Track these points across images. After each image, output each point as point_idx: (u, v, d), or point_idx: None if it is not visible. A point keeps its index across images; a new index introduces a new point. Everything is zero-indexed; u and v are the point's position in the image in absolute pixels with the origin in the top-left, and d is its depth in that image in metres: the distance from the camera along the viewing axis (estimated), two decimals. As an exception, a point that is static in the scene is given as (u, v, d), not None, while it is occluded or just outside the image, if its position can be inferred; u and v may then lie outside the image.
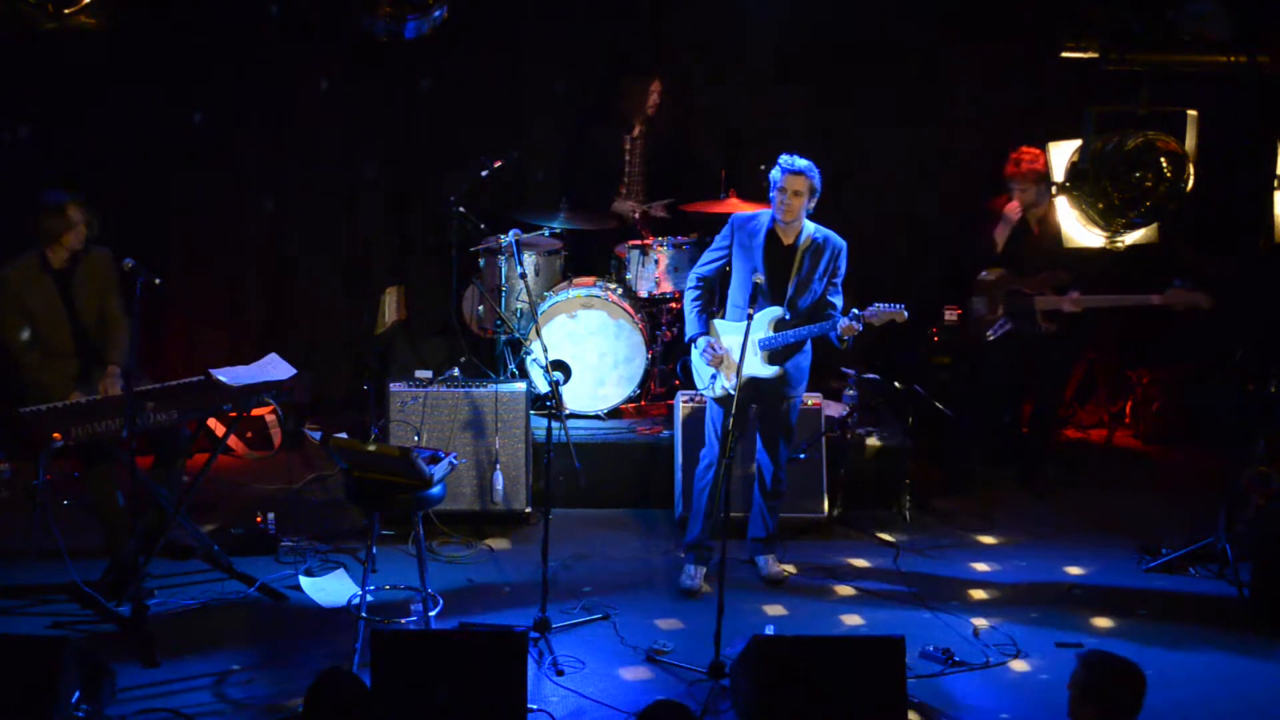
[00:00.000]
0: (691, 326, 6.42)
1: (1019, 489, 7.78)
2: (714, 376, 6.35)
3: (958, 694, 5.56)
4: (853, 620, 6.24)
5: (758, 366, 6.25)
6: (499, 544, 6.98)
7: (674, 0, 8.47)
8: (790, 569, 6.64)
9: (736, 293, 6.38)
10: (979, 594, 6.52)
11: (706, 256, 6.49)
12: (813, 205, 6.23)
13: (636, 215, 8.15)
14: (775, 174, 6.19)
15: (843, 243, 6.31)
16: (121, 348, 6.31)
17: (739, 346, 6.10)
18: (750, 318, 5.93)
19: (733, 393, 6.12)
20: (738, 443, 5.92)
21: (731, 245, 6.35)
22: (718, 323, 6.43)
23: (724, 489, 5.75)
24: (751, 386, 6.24)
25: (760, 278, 6.10)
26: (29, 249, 6.32)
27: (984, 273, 7.56)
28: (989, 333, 7.49)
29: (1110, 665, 4.21)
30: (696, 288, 6.44)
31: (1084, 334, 7.86)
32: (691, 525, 6.50)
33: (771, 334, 6.23)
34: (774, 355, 6.26)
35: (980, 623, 6.16)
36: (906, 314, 6.12)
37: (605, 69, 8.40)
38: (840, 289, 6.30)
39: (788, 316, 6.23)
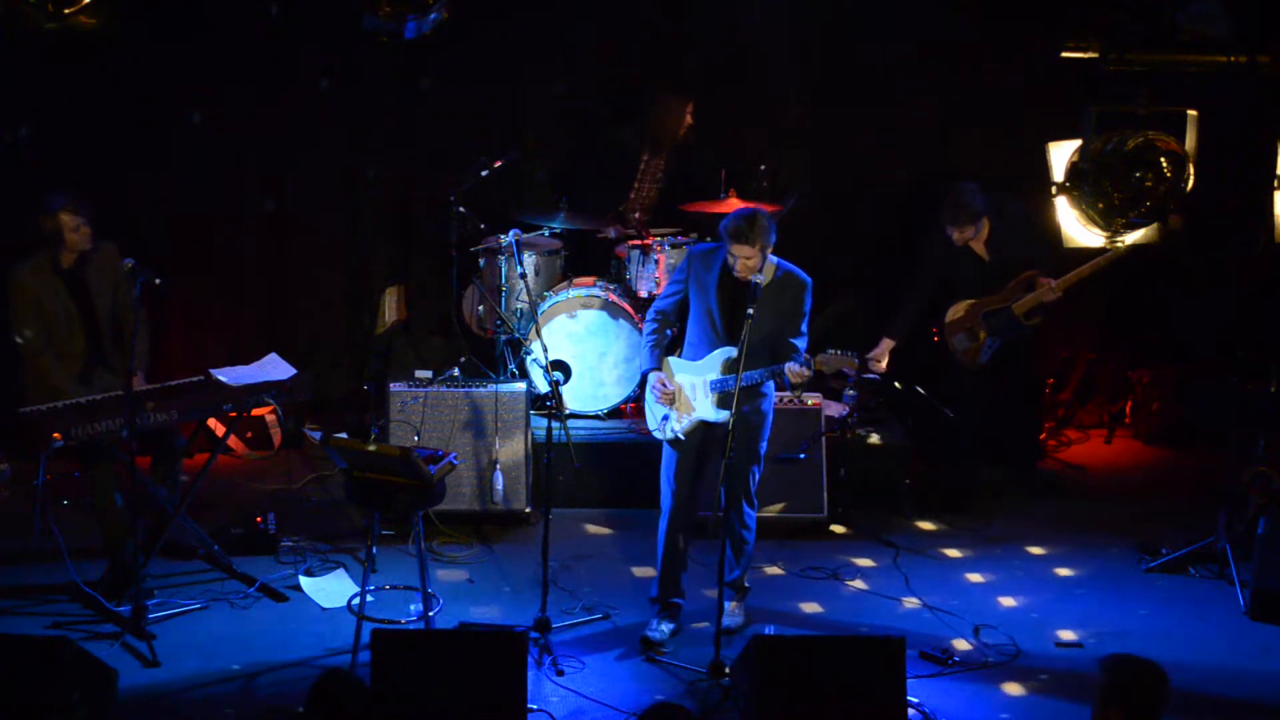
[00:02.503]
0: (645, 361, 5.99)
1: (1017, 489, 7.74)
2: (665, 418, 5.90)
3: (958, 694, 5.56)
4: (852, 621, 6.23)
5: (708, 409, 5.81)
6: (499, 544, 6.98)
7: (673, 1, 8.47)
8: (748, 619, 6.13)
9: (692, 329, 5.94)
10: (979, 593, 6.51)
11: (666, 289, 6.05)
12: (771, 246, 5.71)
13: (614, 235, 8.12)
14: (723, 234, 5.70)
15: (806, 280, 5.80)
16: (137, 351, 6.30)
17: (690, 386, 5.87)
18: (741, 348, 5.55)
19: (682, 437, 5.87)
20: (734, 449, 5.58)
21: (688, 278, 5.91)
22: (671, 360, 5.96)
23: (722, 489, 5.74)
24: (705, 432, 5.85)
25: (760, 278, 5.73)
26: (40, 249, 6.31)
27: (950, 310, 7.40)
28: (981, 357, 7.38)
29: (1134, 667, 4.21)
30: (654, 320, 5.99)
31: (1069, 330, 7.76)
32: (655, 580, 6.05)
33: (722, 375, 5.75)
34: (725, 399, 5.68)
35: (980, 623, 6.16)
36: (858, 361, 5.74)
37: (611, 72, 8.40)
38: (805, 332, 5.80)
39: (739, 357, 5.60)
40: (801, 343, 5.78)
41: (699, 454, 5.94)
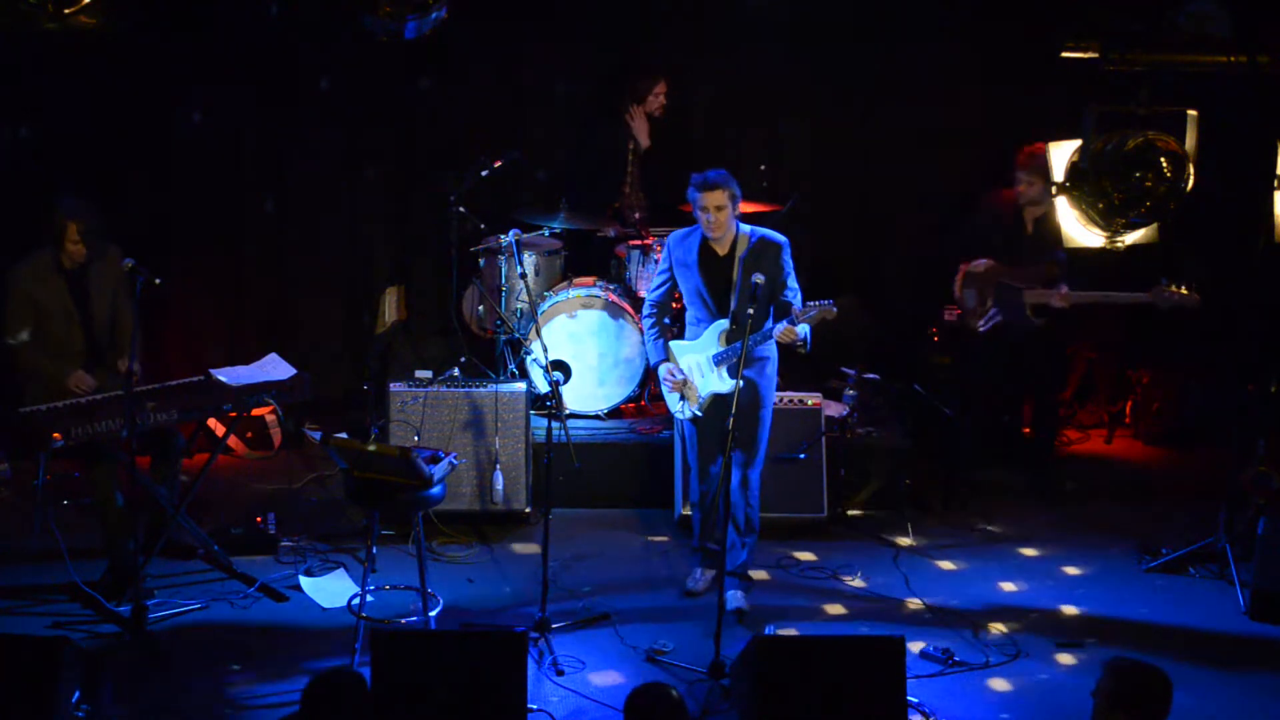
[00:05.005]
0: (652, 355, 6.25)
1: (1026, 493, 7.68)
2: (681, 400, 6.19)
3: (958, 694, 5.56)
4: (853, 621, 6.24)
5: (717, 382, 6.07)
6: (499, 544, 6.98)
7: (675, 1, 8.47)
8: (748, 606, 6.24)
9: (688, 311, 6.22)
10: (979, 594, 6.51)
11: (654, 282, 6.31)
12: (738, 210, 6.03)
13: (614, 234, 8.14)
14: (691, 194, 5.99)
15: (782, 239, 6.06)
16: (130, 349, 6.31)
17: (695, 365, 6.06)
18: (747, 327, 5.74)
19: (700, 414, 6.06)
20: (735, 445, 5.70)
21: (671, 265, 6.17)
22: (674, 345, 6.22)
23: (724, 488, 5.75)
24: (719, 404, 6.03)
25: (760, 278, 5.91)
26: (43, 247, 6.30)
27: (974, 264, 7.48)
28: (979, 324, 7.40)
29: (1138, 672, 4.23)
30: (650, 315, 6.26)
31: (1073, 330, 7.75)
32: (695, 534, 6.43)
33: (722, 347, 6.04)
34: (732, 369, 5.94)
35: (980, 623, 6.15)
36: (835, 309, 5.84)
37: (611, 72, 8.41)
38: (795, 288, 6.05)
39: (735, 326, 5.98)
40: (793, 295, 6.02)
41: (720, 424, 5.95)
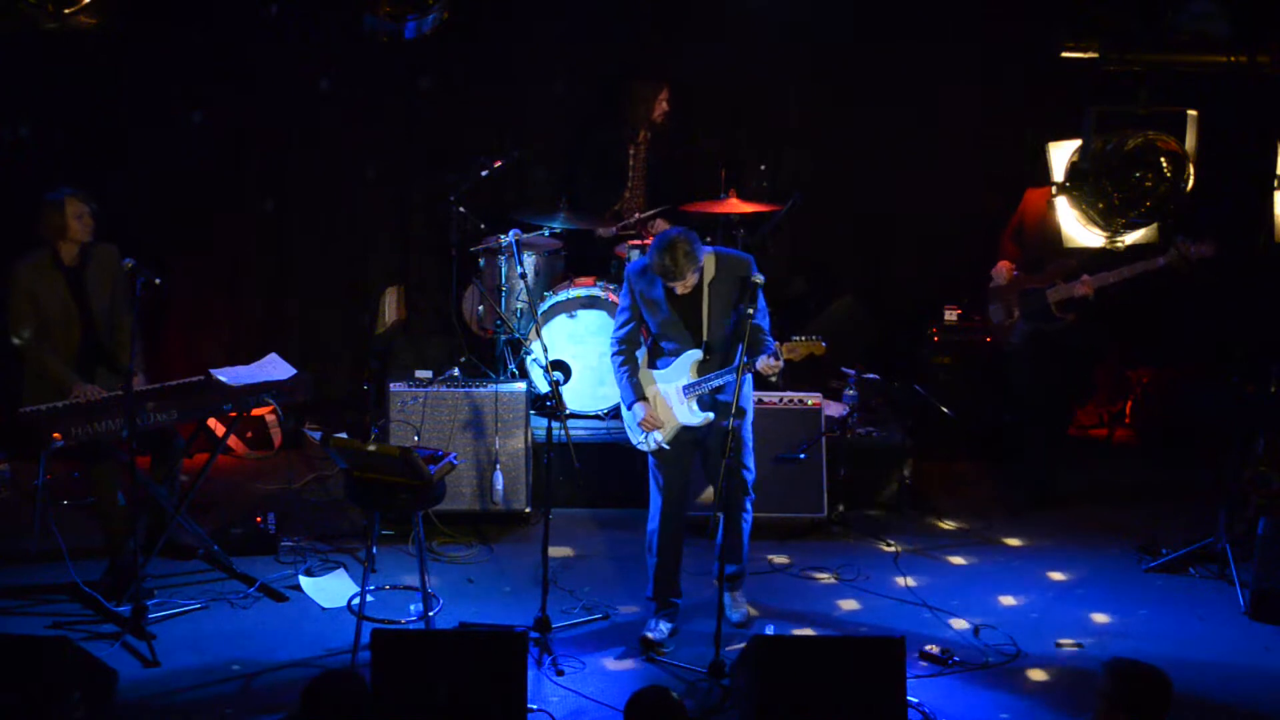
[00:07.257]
0: (625, 395, 5.95)
1: (1030, 493, 7.69)
2: (645, 433, 5.91)
3: (958, 694, 5.56)
4: (852, 621, 6.24)
5: (687, 414, 5.85)
6: (499, 544, 6.98)
7: (674, 1, 8.47)
8: (753, 612, 6.22)
9: (659, 341, 5.95)
10: (979, 594, 6.51)
11: (618, 318, 6.02)
12: (701, 258, 5.66)
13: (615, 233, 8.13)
14: (653, 277, 5.73)
15: (748, 257, 5.81)
16: (130, 349, 6.31)
17: (665, 394, 5.89)
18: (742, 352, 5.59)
19: (666, 447, 5.87)
20: (728, 453, 5.54)
21: (634, 301, 5.89)
22: (645, 373, 5.97)
23: (724, 486, 5.73)
24: (689, 435, 5.88)
25: (760, 277, 5.78)
26: (41, 246, 6.30)
27: (994, 279, 7.48)
28: (1012, 337, 7.37)
29: (1138, 673, 4.23)
30: (620, 352, 5.99)
31: (1100, 326, 7.71)
32: (650, 581, 6.05)
33: (694, 378, 5.81)
34: (702, 401, 5.82)
35: (980, 623, 6.16)
36: (825, 345, 5.72)
37: (611, 72, 8.42)
38: (763, 307, 5.77)
39: (708, 357, 5.80)
40: (762, 316, 5.78)
41: (685, 456, 5.96)
